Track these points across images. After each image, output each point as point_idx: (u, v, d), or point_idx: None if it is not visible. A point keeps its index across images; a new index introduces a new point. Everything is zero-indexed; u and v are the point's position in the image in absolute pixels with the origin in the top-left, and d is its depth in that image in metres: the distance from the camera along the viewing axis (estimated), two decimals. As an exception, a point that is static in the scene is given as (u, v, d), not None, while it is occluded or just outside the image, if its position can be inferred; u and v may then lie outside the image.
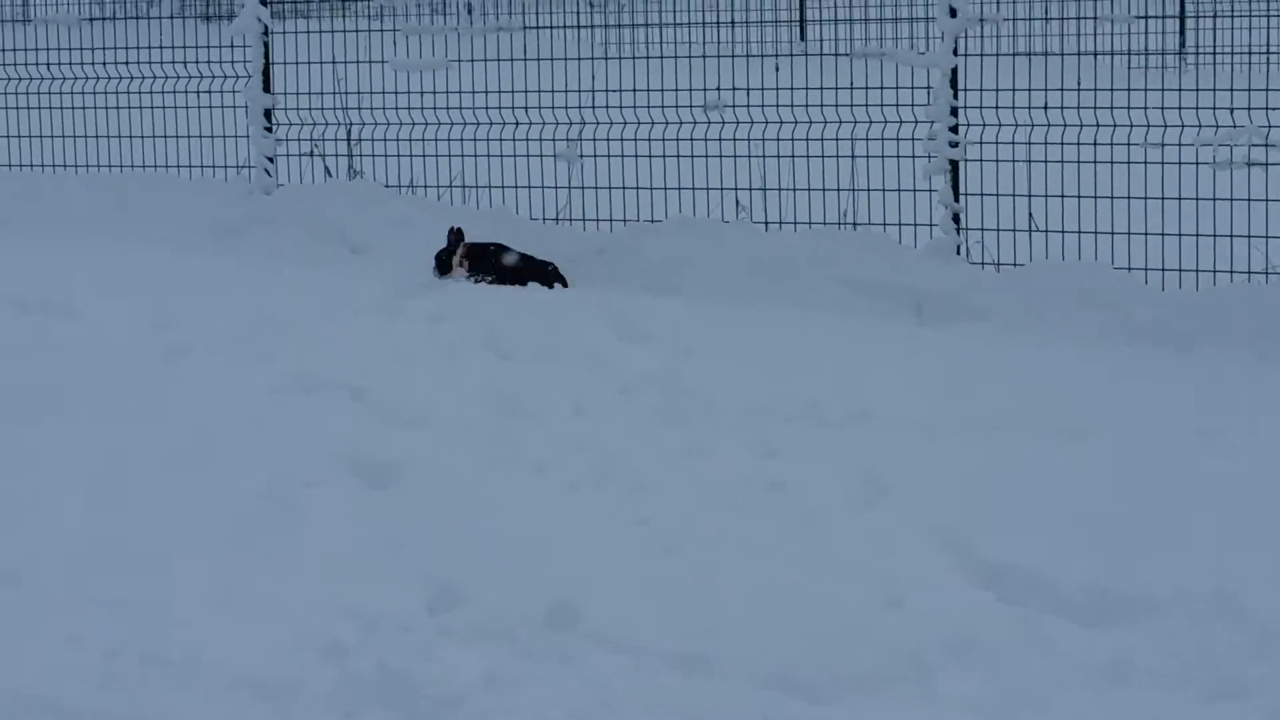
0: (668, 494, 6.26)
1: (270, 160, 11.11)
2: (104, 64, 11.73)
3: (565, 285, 9.59)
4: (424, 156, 10.93)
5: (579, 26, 11.84)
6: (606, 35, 11.74)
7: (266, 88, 11.13)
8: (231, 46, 11.43)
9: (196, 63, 11.47)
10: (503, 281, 9.58)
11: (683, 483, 6.39)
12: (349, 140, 11.19)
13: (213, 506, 6.04)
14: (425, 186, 10.93)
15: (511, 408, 7.20)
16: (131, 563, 5.56)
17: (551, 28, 11.54)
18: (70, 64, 11.81)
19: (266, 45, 11.13)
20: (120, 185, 11.41)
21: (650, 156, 10.47)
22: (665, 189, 10.46)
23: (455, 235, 9.77)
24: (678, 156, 10.40)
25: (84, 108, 11.73)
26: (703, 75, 10.56)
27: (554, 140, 10.70)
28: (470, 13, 13.26)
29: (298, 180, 11.25)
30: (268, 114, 11.13)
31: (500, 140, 10.75)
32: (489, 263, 9.68)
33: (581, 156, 10.65)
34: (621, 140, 10.53)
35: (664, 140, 10.39)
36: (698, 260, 9.62)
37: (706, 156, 10.35)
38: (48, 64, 11.83)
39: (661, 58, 10.86)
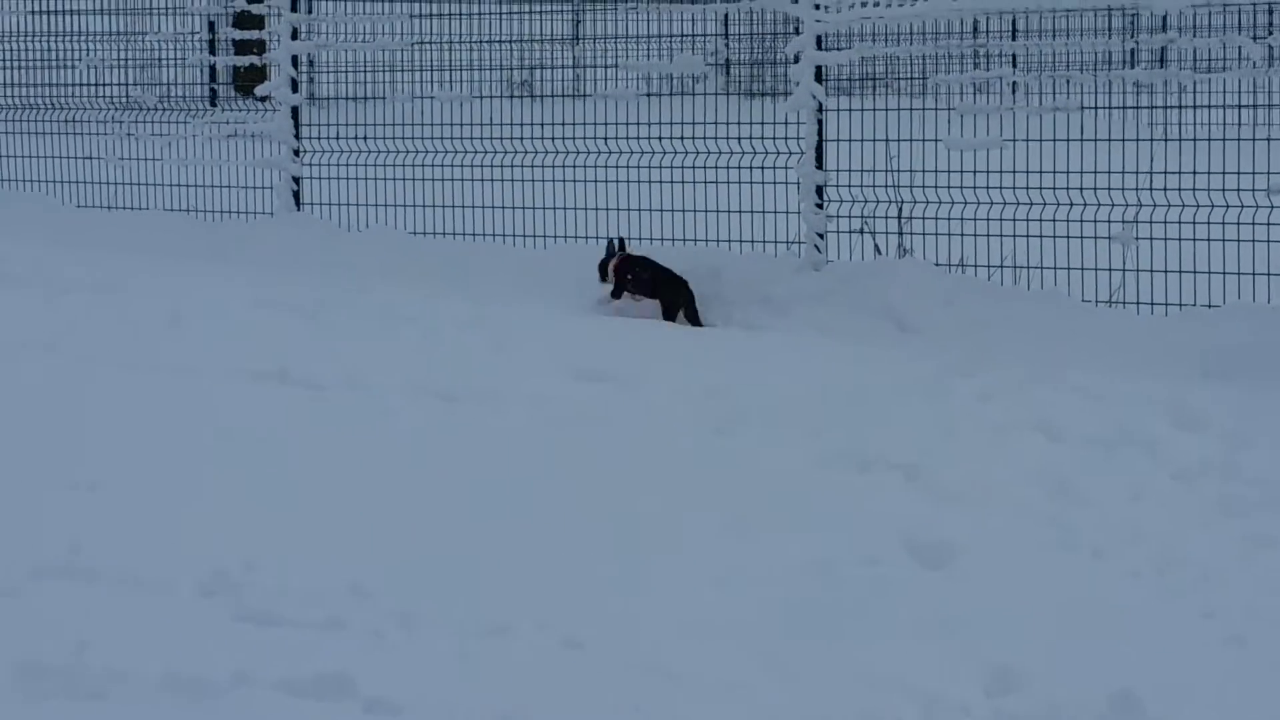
0: (1233, 586, 6.02)
1: (820, 236, 11.17)
2: (657, 138, 11.96)
3: (694, 303, 10.57)
4: (975, 236, 10.84)
5: (1135, 108, 11.63)
6: (1166, 116, 11.44)
7: (819, 164, 11.20)
8: (784, 123, 11.53)
9: (749, 138, 11.61)
10: (642, 294, 10.69)
11: (1247, 575, 6.14)
12: (899, 218, 11.18)
13: (764, 579, 6.04)
14: (975, 266, 10.82)
15: (1065, 490, 7.03)
16: (678, 632, 5.57)
17: (1109, 108, 11.35)
18: (623, 138, 12.07)
19: (820, 122, 11.20)
20: (668, 257, 11.58)
21: (1209, 240, 10.18)
22: (1224, 273, 10.16)
23: (614, 246, 10.85)
24: (1238, 241, 10.10)
25: (635, 181, 11.97)
26: (1266, 157, 10.22)
27: (1108, 222, 10.50)
28: (1014, 92, 13.15)
29: (847, 257, 11.28)
30: (819, 190, 11.19)
31: (1053, 221, 10.61)
32: (630, 274, 10.73)
33: (1137, 239, 10.43)
34: (1179, 223, 10.28)
35: (1223, 224, 10.10)
36: (1258, 346, 9.30)
37: (1269, 242, 10.04)
38: (604, 138, 12.11)
39: (1224, 140, 10.51)
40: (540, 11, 15.67)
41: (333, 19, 13.34)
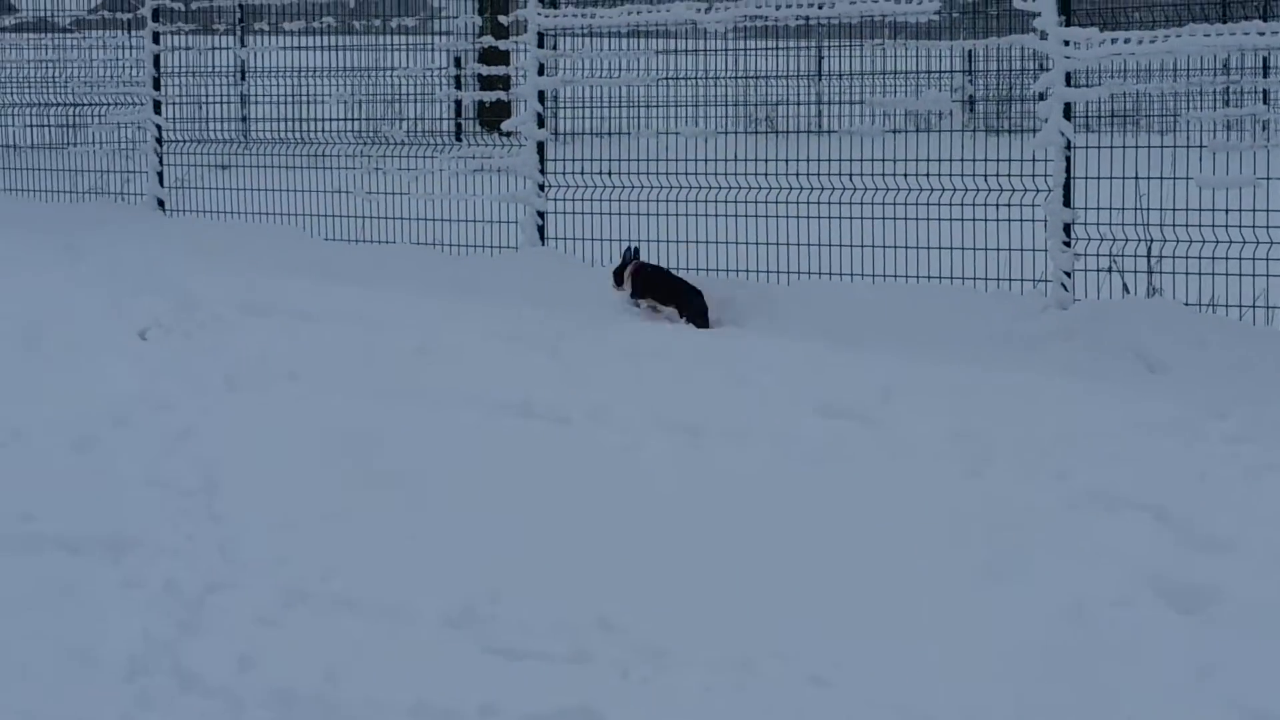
0: None
1: (1068, 274, 11.02)
2: (901, 175, 11.88)
3: (705, 313, 11.24)
4: (1226, 275, 10.63)
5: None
6: None
7: (1067, 202, 11.05)
8: (1030, 160, 11.41)
9: (996, 175, 11.50)
10: (658, 301, 11.43)
11: None
12: (1149, 256, 10.98)
13: (1016, 621, 5.94)
14: (1227, 306, 10.60)
15: (1324, 537, 6.85)
16: (929, 673, 5.51)
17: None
18: (867, 174, 12.01)
19: (1068, 159, 11.05)
20: (912, 295, 11.51)
21: None
22: None
23: (630, 254, 11.59)
24: None
25: (878, 218, 11.90)
26: None
27: (1365, 261, 10.26)
28: (1265, 129, 12.90)
29: (1094, 295, 11.11)
30: (1067, 228, 11.04)
31: (1307, 260, 10.39)
32: (644, 283, 11.50)
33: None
34: None
35: None
36: None
37: None
38: (849, 174, 12.06)
39: None
40: (783, 48, 15.67)
41: (578, 55, 13.43)
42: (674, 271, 11.95)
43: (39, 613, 5.92)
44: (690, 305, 11.44)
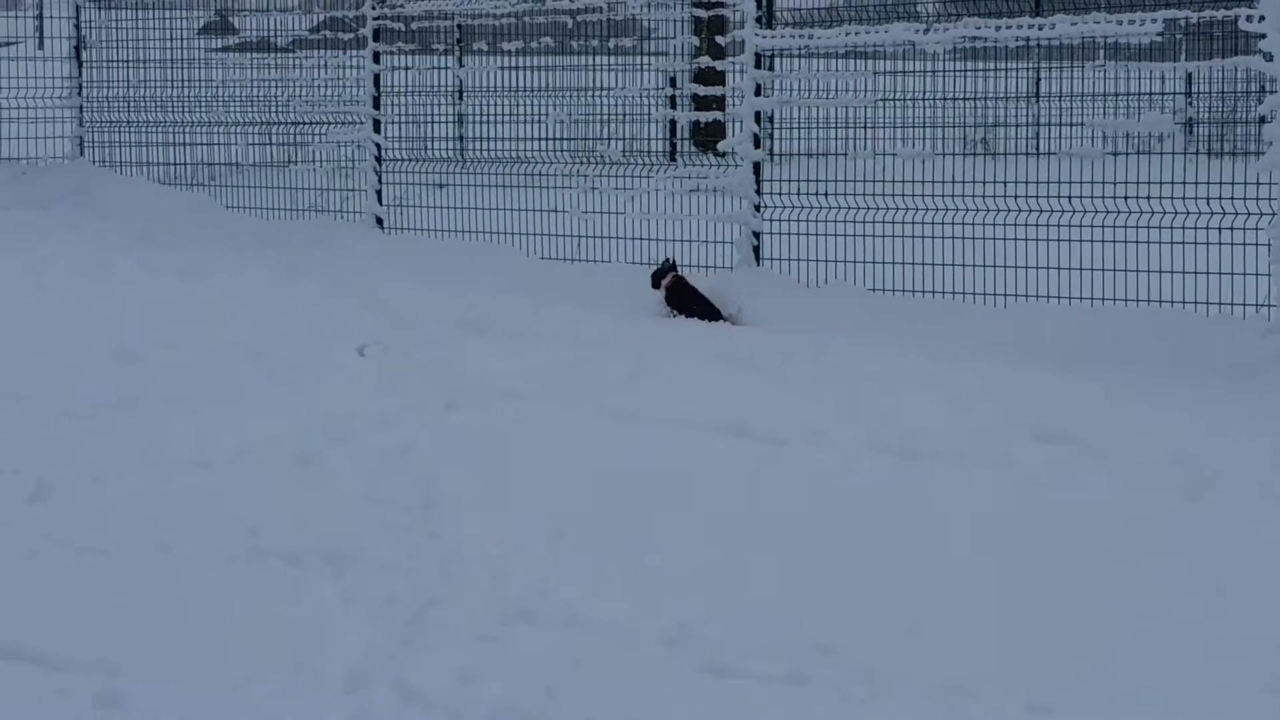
0: None
1: (1292, 299, 10.83)
2: (1122, 198, 11.73)
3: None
4: None
5: None
6: None
7: (1292, 224, 10.86)
8: (1253, 183, 11.21)
9: (1219, 199, 11.32)
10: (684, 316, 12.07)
11: None
12: (1377, 282, 10.75)
13: (1245, 650, 5.84)
14: None
15: None
16: (1153, 701, 5.44)
17: None
18: (1087, 197, 11.88)
19: (1293, 182, 10.87)
20: (1131, 319, 11.35)
21: None
22: None
23: (667, 264, 12.34)
24: None
25: (1096, 241, 11.75)
26: None
27: None
28: None
29: (1320, 321, 10.90)
30: (1293, 251, 10.85)
31: None
32: (676, 296, 12.18)
33: None
34: None
35: None
36: None
37: None
38: (1068, 196, 11.93)
39: None
40: (1000, 69, 15.52)
41: (795, 76, 13.43)
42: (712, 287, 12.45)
43: (264, 625, 6.03)
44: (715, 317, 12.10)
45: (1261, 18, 10.85)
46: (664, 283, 12.28)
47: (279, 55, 17.72)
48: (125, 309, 11.77)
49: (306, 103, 16.89)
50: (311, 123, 16.93)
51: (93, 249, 14.21)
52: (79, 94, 18.66)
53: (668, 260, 12.47)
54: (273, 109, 17.45)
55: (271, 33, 18.08)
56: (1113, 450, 8.38)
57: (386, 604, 6.21)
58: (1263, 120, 11.01)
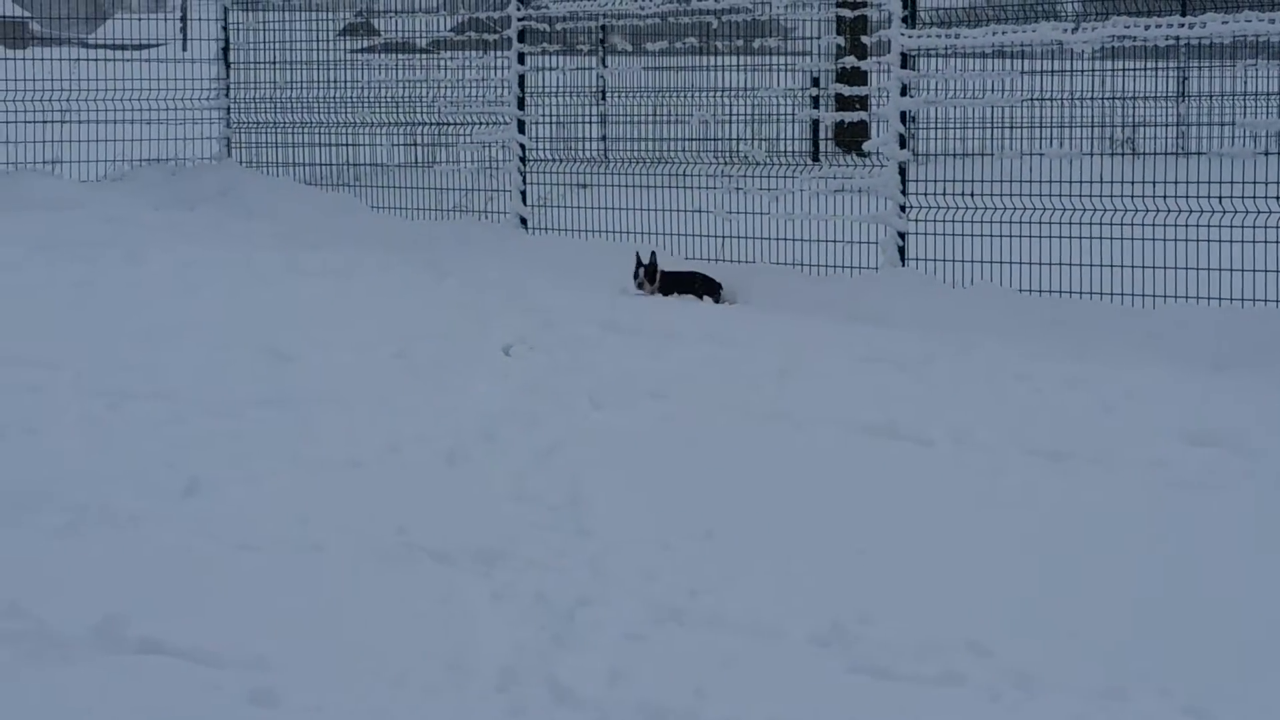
0: None
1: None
2: (1272, 198, 11.60)
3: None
4: None
5: None
6: None
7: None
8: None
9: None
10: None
11: None
12: None
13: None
14: None
15: None
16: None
17: None
18: (1237, 197, 11.74)
19: None
20: (1275, 320, 11.22)
21: None
22: None
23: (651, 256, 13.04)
24: None
25: (1247, 241, 11.61)
26: None
27: None
28: None
29: None
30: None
31: None
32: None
33: None
34: None
35: None
36: None
37: None
38: (1218, 197, 11.80)
39: None
40: (1145, 69, 15.40)
41: (942, 75, 13.36)
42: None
43: (415, 623, 6.07)
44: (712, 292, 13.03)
45: None
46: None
47: (422, 56, 17.83)
48: (274, 308, 11.88)
49: (451, 103, 16.99)
50: (456, 123, 17.03)
51: (240, 248, 14.35)
52: (226, 95, 18.88)
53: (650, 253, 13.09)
54: (418, 109, 17.56)
55: (413, 33, 18.18)
56: (1267, 453, 8.28)
57: (536, 602, 6.23)
58: None
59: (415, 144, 17.74)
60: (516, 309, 11.93)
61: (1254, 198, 11.65)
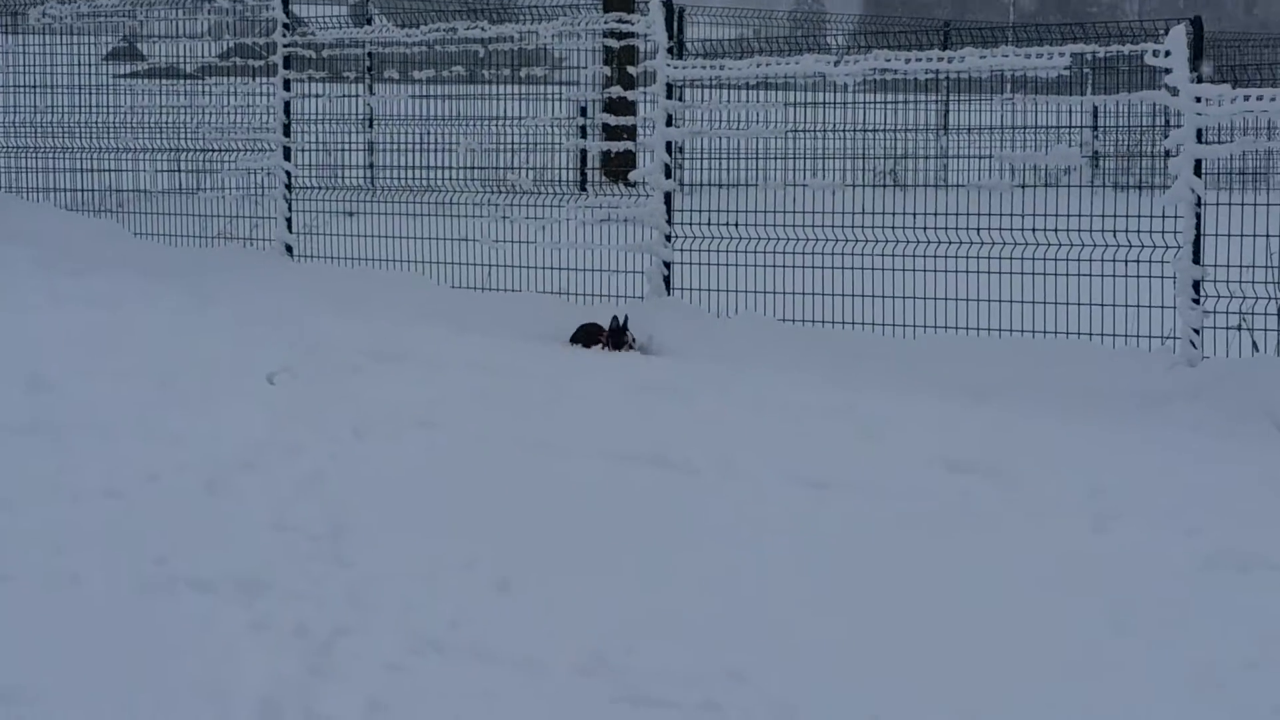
0: None
1: (1196, 332, 10.94)
2: (1030, 230, 11.83)
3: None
4: (1360, 334, 10.53)
5: None
6: None
7: (1196, 259, 10.98)
8: (1158, 216, 11.34)
9: (1125, 231, 11.44)
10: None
11: None
12: (1280, 315, 10.90)
13: (1145, 683, 5.89)
14: (1361, 366, 10.49)
15: None
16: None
17: None
18: (994, 229, 11.97)
19: (1199, 216, 10.99)
20: (1039, 350, 11.46)
21: None
22: None
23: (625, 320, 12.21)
24: None
25: (1004, 272, 11.84)
26: None
27: None
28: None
29: (1223, 354, 11.02)
30: (1196, 286, 10.97)
31: None
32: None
33: None
34: None
35: None
36: None
37: None
38: (976, 228, 12.02)
39: None
40: (910, 102, 15.65)
41: (706, 106, 13.49)
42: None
43: (174, 653, 5.98)
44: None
45: (1167, 53, 11.00)
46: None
47: (187, 81, 17.61)
48: (33, 336, 11.65)
49: (216, 129, 16.80)
50: (221, 150, 16.84)
51: (-1, 274, 14.09)
52: (-16, 119, 18.51)
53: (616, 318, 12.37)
54: (183, 135, 17.34)
55: (180, 59, 17.95)
56: (1022, 481, 8.45)
57: (296, 633, 6.17)
58: (1167, 154, 11.14)
59: (179, 170, 17.50)
60: (282, 337, 11.81)
61: (1012, 229, 11.89)
